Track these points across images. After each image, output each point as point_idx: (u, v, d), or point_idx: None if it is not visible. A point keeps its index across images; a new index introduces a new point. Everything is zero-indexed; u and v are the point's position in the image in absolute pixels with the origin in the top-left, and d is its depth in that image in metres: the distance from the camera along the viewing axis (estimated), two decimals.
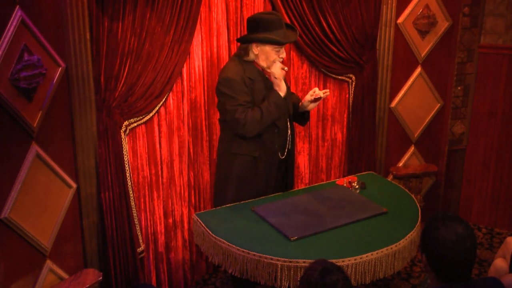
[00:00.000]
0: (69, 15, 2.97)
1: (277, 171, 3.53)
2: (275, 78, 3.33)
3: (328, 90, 3.45)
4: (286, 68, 3.38)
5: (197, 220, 3.24)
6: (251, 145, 3.38)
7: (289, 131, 3.52)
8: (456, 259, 2.01)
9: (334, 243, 2.97)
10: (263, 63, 3.36)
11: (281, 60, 3.36)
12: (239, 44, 3.44)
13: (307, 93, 4.18)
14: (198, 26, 3.63)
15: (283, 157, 3.50)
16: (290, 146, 3.54)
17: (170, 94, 3.64)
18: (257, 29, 3.30)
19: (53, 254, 3.02)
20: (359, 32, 4.09)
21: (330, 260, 2.76)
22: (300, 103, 3.54)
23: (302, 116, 3.61)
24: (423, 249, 2.11)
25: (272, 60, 3.32)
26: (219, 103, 3.43)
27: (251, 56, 3.36)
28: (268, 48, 3.30)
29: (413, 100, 4.51)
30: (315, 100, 3.44)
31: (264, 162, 3.42)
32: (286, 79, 3.94)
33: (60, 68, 2.97)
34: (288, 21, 3.87)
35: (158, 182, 3.73)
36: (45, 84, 2.84)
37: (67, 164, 3.12)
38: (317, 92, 3.42)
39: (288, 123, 3.51)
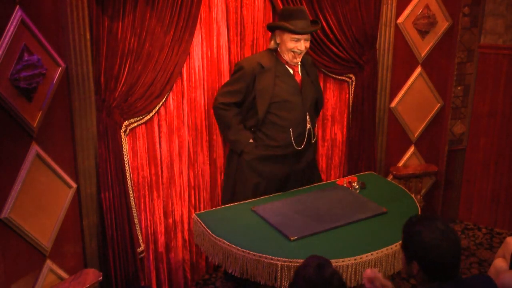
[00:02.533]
0: (69, 15, 2.97)
1: (291, 163, 3.63)
2: None
3: None
4: None
5: (197, 220, 3.24)
6: (262, 133, 3.57)
7: (308, 125, 3.61)
8: (448, 254, 2.02)
9: (334, 243, 2.97)
10: (283, 52, 3.52)
11: (300, 52, 3.47)
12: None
13: None
14: (198, 26, 3.63)
15: (300, 148, 3.59)
16: (313, 140, 3.69)
17: (170, 94, 3.64)
18: (280, 18, 3.51)
19: (53, 254, 3.02)
20: (359, 32, 4.09)
21: (330, 260, 2.77)
22: None
23: None
24: (412, 257, 2.09)
25: (288, 48, 3.46)
26: None
27: (272, 44, 3.56)
28: (286, 37, 3.45)
29: (413, 100, 4.51)
30: None
31: (273, 152, 3.56)
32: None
33: (60, 68, 2.97)
34: None
35: (158, 182, 3.73)
36: (45, 84, 2.84)
37: (67, 164, 3.12)
38: None
39: (308, 117, 3.60)
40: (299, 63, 3.61)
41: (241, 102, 3.58)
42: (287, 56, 3.51)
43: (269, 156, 3.56)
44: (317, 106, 3.82)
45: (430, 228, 2.04)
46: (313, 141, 3.72)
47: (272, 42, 3.56)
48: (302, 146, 3.61)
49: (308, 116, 3.61)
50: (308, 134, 3.62)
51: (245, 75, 3.50)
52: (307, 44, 3.51)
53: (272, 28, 3.56)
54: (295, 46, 3.45)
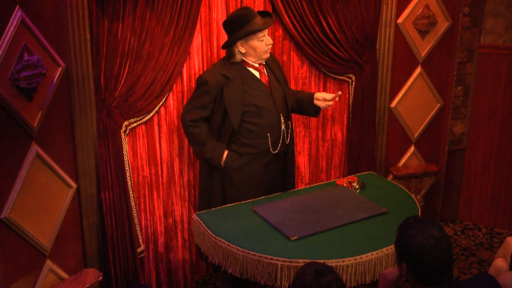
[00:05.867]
0: (69, 15, 2.97)
1: (273, 166, 3.56)
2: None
3: (339, 93, 3.55)
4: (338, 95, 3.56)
5: (197, 220, 3.24)
6: (240, 143, 3.47)
7: (283, 126, 3.53)
8: (437, 262, 2.04)
9: (334, 243, 2.97)
10: (254, 58, 3.44)
11: (270, 46, 3.43)
12: None
13: None
14: (198, 26, 3.63)
15: (276, 151, 3.52)
16: (287, 140, 3.57)
17: (170, 94, 3.64)
18: (235, 29, 3.35)
19: (53, 254, 3.02)
20: (359, 32, 4.09)
21: (331, 260, 2.78)
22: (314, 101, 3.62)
23: (314, 110, 3.68)
24: (402, 258, 2.11)
25: (262, 50, 3.40)
26: None
27: (238, 57, 3.43)
28: (253, 42, 3.37)
29: (413, 100, 4.51)
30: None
31: (255, 158, 3.48)
32: (287, 79, 3.95)
33: (60, 68, 2.97)
34: (288, 21, 3.88)
35: (158, 182, 3.73)
36: (45, 84, 2.84)
37: (67, 164, 3.12)
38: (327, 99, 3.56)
39: (282, 118, 3.53)
40: (264, 63, 3.53)
41: (209, 117, 3.47)
42: (263, 57, 3.43)
43: (251, 161, 3.50)
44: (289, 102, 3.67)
45: (424, 234, 2.05)
46: (287, 142, 3.59)
47: (237, 56, 3.42)
48: (278, 149, 3.53)
49: (282, 118, 3.53)
50: (282, 136, 3.54)
51: (211, 89, 3.38)
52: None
53: (230, 44, 3.39)
54: (265, 43, 3.39)
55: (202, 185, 3.66)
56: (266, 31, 3.41)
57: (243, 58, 3.45)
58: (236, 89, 3.41)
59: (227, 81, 3.40)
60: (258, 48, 3.40)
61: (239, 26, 3.34)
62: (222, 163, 3.47)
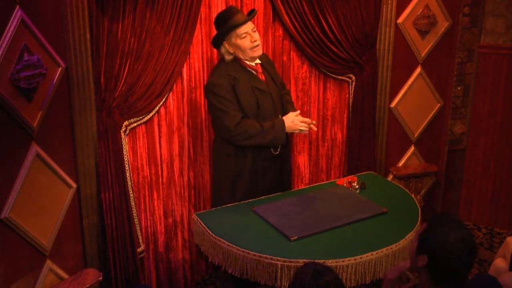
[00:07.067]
0: (69, 15, 2.97)
1: (272, 167, 3.55)
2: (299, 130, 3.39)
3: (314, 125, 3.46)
4: (314, 122, 3.44)
5: (197, 220, 3.24)
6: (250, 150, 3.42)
7: None
8: (462, 263, 2.02)
9: (334, 243, 2.97)
10: (244, 56, 3.39)
11: (257, 43, 3.35)
12: None
13: (307, 94, 4.21)
14: (198, 26, 3.63)
15: (277, 152, 3.49)
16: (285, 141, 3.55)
17: (170, 94, 3.64)
18: (218, 28, 3.35)
19: (53, 254, 3.02)
20: (359, 32, 4.09)
21: (331, 260, 2.78)
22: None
23: None
24: (425, 250, 2.09)
25: (247, 47, 3.32)
26: (209, 107, 3.49)
27: (229, 57, 3.40)
28: (235, 40, 3.32)
29: (413, 100, 4.51)
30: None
31: (257, 160, 3.45)
32: (287, 79, 3.95)
33: (60, 68, 2.97)
34: (287, 21, 3.88)
35: (158, 182, 3.73)
36: (45, 84, 2.84)
37: (67, 164, 3.12)
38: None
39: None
40: (260, 63, 3.49)
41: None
42: (251, 55, 3.35)
43: (257, 163, 3.47)
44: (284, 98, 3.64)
45: (457, 236, 2.01)
46: (285, 142, 3.53)
47: (225, 56, 3.38)
48: (278, 150, 3.49)
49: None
50: None
51: (228, 89, 3.31)
52: (257, 34, 3.38)
53: (219, 43, 3.36)
54: (250, 40, 3.32)
55: (226, 172, 3.50)
56: (249, 28, 3.32)
57: (238, 56, 3.40)
58: (246, 87, 3.37)
59: (236, 81, 3.36)
60: (242, 45, 3.33)
61: (221, 24, 3.33)
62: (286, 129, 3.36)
